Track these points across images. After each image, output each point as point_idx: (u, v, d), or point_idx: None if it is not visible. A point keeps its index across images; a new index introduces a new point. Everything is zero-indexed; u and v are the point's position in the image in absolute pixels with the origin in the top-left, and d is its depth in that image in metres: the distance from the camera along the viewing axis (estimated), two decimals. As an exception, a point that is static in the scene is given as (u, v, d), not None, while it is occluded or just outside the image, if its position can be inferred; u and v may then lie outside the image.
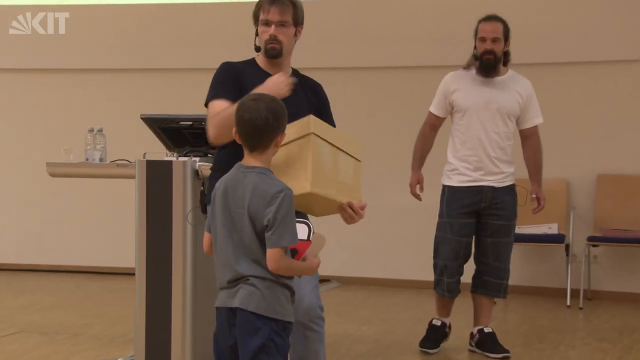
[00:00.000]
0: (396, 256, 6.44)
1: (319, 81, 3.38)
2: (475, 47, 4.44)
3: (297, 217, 2.59)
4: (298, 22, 3.24)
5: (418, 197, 4.62)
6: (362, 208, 3.04)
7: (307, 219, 3.05)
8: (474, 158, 4.43)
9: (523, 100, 4.46)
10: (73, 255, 7.05)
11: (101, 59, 6.99)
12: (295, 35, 3.25)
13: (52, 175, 4.52)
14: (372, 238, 6.54)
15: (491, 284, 4.50)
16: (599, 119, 6.22)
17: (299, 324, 3.02)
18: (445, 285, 4.50)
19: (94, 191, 6.73)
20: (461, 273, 4.55)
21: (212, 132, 3.12)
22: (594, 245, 5.96)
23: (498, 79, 4.45)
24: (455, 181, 4.48)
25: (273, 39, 3.19)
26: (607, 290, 6.12)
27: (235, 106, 2.67)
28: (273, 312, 2.55)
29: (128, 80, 6.99)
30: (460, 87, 4.46)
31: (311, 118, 2.87)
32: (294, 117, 2.83)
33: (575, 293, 5.85)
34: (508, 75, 4.49)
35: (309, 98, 3.26)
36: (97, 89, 7.05)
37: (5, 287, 6.43)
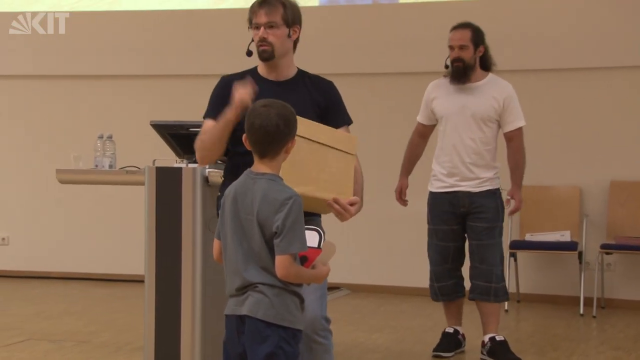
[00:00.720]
0: (407, 263, 6.40)
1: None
2: (448, 56, 4.55)
3: (309, 224, 2.56)
4: (290, 22, 3.19)
5: (403, 203, 4.74)
6: (352, 204, 2.99)
7: (319, 226, 3.02)
8: (449, 164, 4.53)
9: (499, 104, 4.50)
10: (82, 262, 7.04)
11: (111, 65, 6.99)
12: (290, 35, 3.21)
13: (62, 182, 4.51)
14: (382, 245, 6.51)
15: (480, 287, 4.52)
16: (612, 126, 6.17)
17: (304, 335, 2.98)
18: (437, 289, 4.62)
19: (103, 198, 6.72)
20: (457, 277, 4.62)
21: (197, 153, 3.21)
22: (607, 253, 5.90)
23: (474, 84, 4.52)
24: (434, 187, 4.60)
25: (263, 40, 3.17)
26: (621, 298, 6.06)
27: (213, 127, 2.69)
28: (282, 319, 2.52)
29: (138, 87, 6.99)
30: (438, 94, 4.58)
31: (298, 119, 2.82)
32: None
33: (588, 301, 5.80)
34: (486, 80, 4.55)
35: (313, 97, 3.22)
36: (107, 96, 7.05)
37: (14, 295, 6.43)
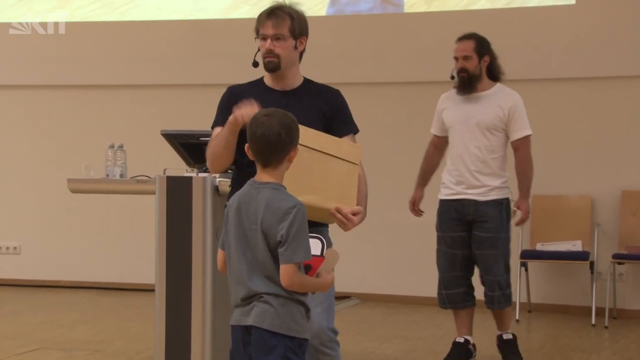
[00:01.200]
0: (416, 273, 6.38)
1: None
2: (454, 67, 4.62)
3: (311, 232, 2.55)
4: (297, 33, 3.19)
5: (416, 213, 4.79)
6: (355, 214, 2.98)
7: (325, 235, 3.01)
8: (456, 172, 4.59)
9: (504, 112, 4.54)
10: (93, 271, 7.05)
11: (122, 75, 7.02)
12: (297, 47, 3.21)
13: (73, 191, 4.52)
14: (392, 254, 6.50)
15: (486, 296, 4.60)
16: (624, 135, 6.14)
17: (311, 347, 2.98)
18: (444, 297, 4.65)
19: (114, 207, 6.74)
20: (466, 285, 4.64)
21: (208, 163, 3.22)
22: (619, 263, 5.87)
23: (481, 94, 4.58)
24: (443, 194, 4.66)
25: (269, 52, 3.17)
26: (633, 308, 6.02)
27: (219, 133, 2.70)
28: (288, 329, 2.52)
29: (149, 96, 7.02)
30: (447, 105, 4.66)
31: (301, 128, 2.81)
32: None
33: (600, 311, 5.76)
34: (493, 90, 4.60)
35: (319, 107, 3.22)
36: (118, 105, 7.08)
37: (25, 304, 6.44)
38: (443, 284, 4.65)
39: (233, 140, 3.06)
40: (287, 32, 3.17)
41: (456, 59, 4.57)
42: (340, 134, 3.19)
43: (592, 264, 5.86)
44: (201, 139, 3.98)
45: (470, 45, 4.55)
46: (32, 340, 5.10)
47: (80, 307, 6.31)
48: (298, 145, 2.62)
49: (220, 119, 3.21)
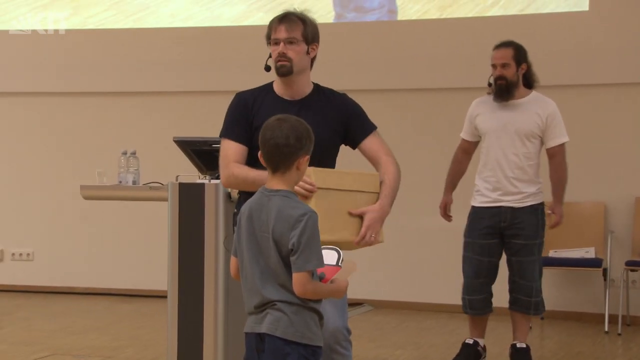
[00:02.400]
0: (430, 280, 6.37)
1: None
2: (492, 74, 4.62)
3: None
4: (309, 39, 3.20)
5: (447, 218, 4.80)
6: (363, 214, 3.05)
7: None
8: (493, 179, 4.59)
9: (542, 120, 4.58)
10: (106, 277, 7.07)
11: (134, 82, 7.04)
12: (309, 52, 3.21)
13: (86, 198, 4.54)
14: (405, 261, 6.48)
15: (521, 301, 4.61)
16: (638, 142, 6.11)
17: (325, 347, 2.98)
18: (467, 302, 4.67)
19: (126, 214, 6.75)
20: (488, 292, 4.67)
21: (225, 181, 3.22)
22: (632, 270, 5.84)
23: (518, 101, 4.60)
24: (477, 202, 4.66)
25: (282, 56, 3.17)
26: (646, 316, 5.99)
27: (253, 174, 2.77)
28: (301, 337, 2.51)
29: (161, 103, 7.04)
30: (482, 111, 4.66)
31: (312, 170, 2.87)
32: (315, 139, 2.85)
33: (613, 319, 5.73)
34: (530, 98, 4.63)
35: (330, 114, 3.22)
36: (130, 112, 7.10)
37: (38, 310, 6.46)
38: (466, 290, 4.66)
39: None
40: (299, 36, 3.17)
41: (494, 66, 4.58)
42: (361, 136, 3.23)
43: (605, 271, 5.83)
44: (213, 145, 3.99)
45: (509, 52, 4.57)
46: (45, 346, 5.12)
47: (93, 314, 6.32)
48: (323, 189, 2.66)
49: (232, 128, 3.22)
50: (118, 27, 7.16)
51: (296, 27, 3.17)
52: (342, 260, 2.62)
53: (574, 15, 6.25)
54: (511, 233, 4.57)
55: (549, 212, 4.67)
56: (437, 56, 6.40)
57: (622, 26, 6.15)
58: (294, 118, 2.60)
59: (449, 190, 4.77)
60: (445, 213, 4.78)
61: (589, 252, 5.89)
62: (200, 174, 4.18)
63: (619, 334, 5.64)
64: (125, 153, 4.44)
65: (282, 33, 3.17)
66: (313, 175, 2.87)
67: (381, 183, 3.16)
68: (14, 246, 7.28)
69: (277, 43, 3.18)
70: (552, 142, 4.61)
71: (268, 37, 3.24)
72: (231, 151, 3.20)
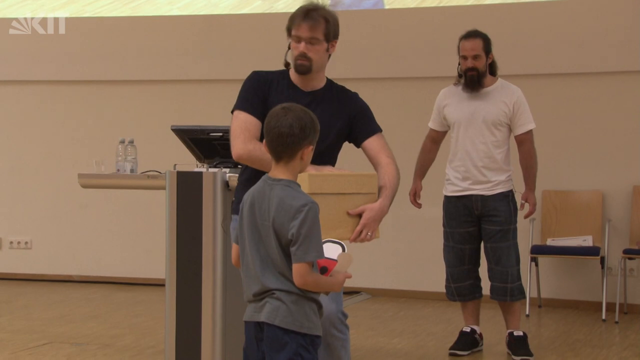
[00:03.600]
0: (427, 268, 6.38)
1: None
2: (459, 64, 4.65)
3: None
4: (330, 37, 3.18)
5: (417, 205, 4.85)
6: (362, 212, 3.06)
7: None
8: (462, 168, 4.64)
9: (509, 108, 4.62)
10: (104, 266, 7.08)
11: (132, 70, 7.03)
12: (328, 50, 3.20)
13: (84, 186, 4.53)
14: (402, 249, 6.49)
15: (497, 288, 4.65)
16: (636, 130, 6.11)
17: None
18: (453, 290, 4.73)
19: (124, 202, 6.75)
20: (474, 277, 4.74)
21: (241, 153, 3.13)
22: (630, 258, 5.85)
23: (485, 90, 4.64)
24: (448, 191, 4.73)
25: (303, 55, 3.15)
26: (643, 304, 6.00)
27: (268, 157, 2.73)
28: (300, 326, 2.52)
29: (158, 92, 7.03)
30: (450, 101, 4.70)
31: (307, 176, 2.88)
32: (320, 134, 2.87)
33: (611, 307, 5.75)
34: (495, 86, 4.66)
35: (340, 110, 3.23)
36: (128, 100, 7.09)
37: (37, 298, 6.47)
38: (451, 278, 4.73)
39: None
40: (321, 36, 3.15)
41: (464, 57, 4.60)
42: (365, 136, 3.25)
43: (602, 260, 5.84)
44: (211, 134, 3.99)
45: (479, 44, 4.59)
46: (43, 334, 5.13)
47: (91, 302, 6.33)
48: (320, 195, 2.67)
49: (248, 104, 3.16)
50: (116, 15, 7.14)
51: (319, 26, 3.13)
52: (339, 253, 2.63)
53: (576, 1, 6.24)
54: (485, 220, 4.62)
55: (523, 201, 4.69)
56: (432, 45, 6.38)
57: (619, 13, 6.13)
58: (299, 107, 2.59)
59: (420, 178, 4.82)
60: (415, 200, 4.82)
61: (586, 241, 5.90)
62: (198, 162, 4.18)
63: (617, 322, 5.66)
64: (123, 141, 4.43)
65: (304, 32, 3.13)
66: (308, 180, 2.86)
67: (381, 187, 3.15)
68: (12, 234, 7.28)
69: (298, 40, 3.15)
70: (520, 130, 4.63)
71: (289, 30, 3.19)
72: (246, 124, 3.12)
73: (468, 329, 4.74)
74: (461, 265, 4.70)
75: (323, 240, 2.65)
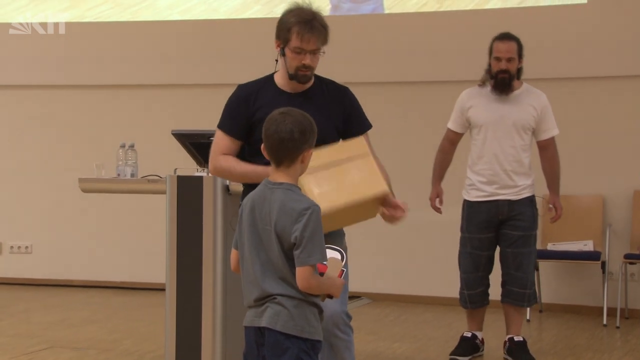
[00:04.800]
0: (428, 272, 6.37)
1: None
2: (489, 65, 4.58)
3: (327, 242, 2.54)
4: (326, 42, 3.19)
5: (438, 210, 4.78)
6: (397, 208, 3.02)
7: (342, 245, 3.04)
8: (489, 172, 4.57)
9: (537, 113, 4.59)
10: (104, 270, 7.07)
11: (133, 75, 7.03)
12: (323, 53, 3.20)
13: (84, 190, 4.54)
14: (403, 254, 6.49)
15: (515, 293, 4.61)
16: (636, 135, 6.11)
17: (325, 331, 2.99)
18: (466, 297, 4.68)
19: (125, 206, 6.75)
20: (485, 285, 4.69)
21: (211, 170, 3.32)
22: (630, 263, 5.84)
23: (512, 93, 4.59)
24: (472, 196, 4.63)
25: (307, 67, 3.13)
26: (644, 309, 5.99)
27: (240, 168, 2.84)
28: (301, 331, 2.52)
29: (159, 96, 7.03)
30: (476, 103, 4.62)
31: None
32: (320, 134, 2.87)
33: (611, 312, 5.74)
34: (522, 90, 4.63)
35: (332, 106, 3.21)
36: (129, 105, 7.09)
37: (37, 303, 6.46)
38: (466, 285, 4.67)
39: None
40: (322, 45, 3.15)
41: (498, 59, 4.52)
42: (358, 132, 3.21)
43: (603, 264, 5.83)
44: (211, 138, 3.97)
45: (514, 47, 4.53)
46: (43, 339, 5.12)
47: (91, 307, 6.33)
48: (307, 175, 2.64)
49: (228, 122, 3.22)
50: (116, 20, 7.14)
51: (321, 37, 3.13)
52: (344, 261, 2.62)
53: (572, 7, 6.24)
54: (508, 225, 4.57)
55: (550, 206, 4.68)
56: (432, 49, 6.38)
57: (620, 19, 6.14)
58: (297, 112, 2.59)
59: (438, 182, 4.74)
60: (436, 205, 4.74)
61: (587, 245, 5.89)
62: (198, 166, 4.18)
63: (618, 327, 5.65)
64: (123, 146, 4.43)
65: (311, 45, 3.11)
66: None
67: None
68: (12, 239, 7.28)
69: (300, 52, 3.12)
70: (545, 135, 4.62)
71: (285, 40, 3.13)
72: (222, 143, 3.24)
73: (469, 334, 4.72)
74: (476, 272, 4.64)
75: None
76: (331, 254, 2.58)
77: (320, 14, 3.19)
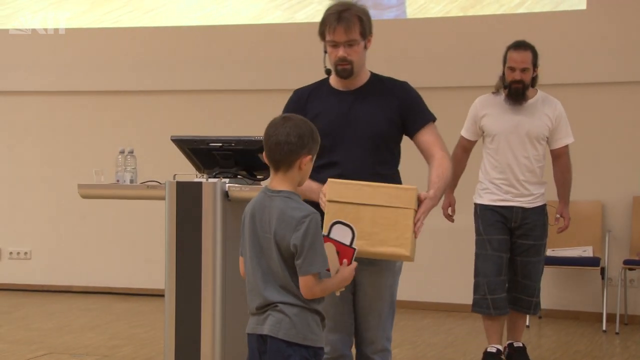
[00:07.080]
0: (427, 279, 6.36)
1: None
2: (503, 74, 4.51)
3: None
4: (366, 34, 3.08)
5: (451, 219, 4.70)
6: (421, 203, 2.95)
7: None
8: (504, 182, 4.52)
9: (552, 122, 4.53)
10: (103, 276, 7.07)
11: (132, 80, 7.04)
12: (366, 47, 3.10)
13: (84, 196, 4.52)
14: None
15: (522, 301, 4.58)
16: (635, 141, 6.12)
17: (363, 355, 3.06)
18: (489, 302, 4.48)
19: (124, 212, 6.75)
20: (506, 290, 4.55)
21: None
22: (630, 269, 5.85)
23: (527, 102, 4.51)
24: (486, 199, 4.57)
25: (343, 60, 3.04)
26: (644, 315, 5.99)
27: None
28: (303, 339, 2.51)
29: (158, 102, 7.03)
30: (489, 112, 4.55)
31: (330, 181, 2.81)
32: (367, 124, 2.90)
33: (611, 317, 5.74)
34: (537, 98, 4.55)
35: (387, 102, 3.10)
36: (128, 111, 7.10)
37: (36, 309, 6.46)
38: (488, 289, 4.48)
39: None
40: (358, 36, 3.04)
41: (512, 69, 4.45)
42: (416, 126, 3.10)
43: (603, 270, 5.84)
44: (211, 144, 3.98)
45: (529, 57, 4.45)
46: (42, 345, 5.11)
47: (90, 313, 6.32)
48: (338, 202, 2.64)
49: None
50: (116, 27, 7.15)
51: (354, 27, 3.03)
52: (354, 240, 2.60)
53: (571, 13, 6.25)
54: (520, 233, 4.51)
55: (558, 215, 4.62)
56: (447, 55, 6.37)
57: (620, 25, 6.15)
58: (299, 117, 2.58)
59: (451, 189, 4.64)
60: (448, 213, 4.66)
61: (586, 251, 5.89)
62: (197, 172, 4.17)
63: (617, 333, 5.65)
64: (122, 152, 4.43)
65: (342, 36, 3.02)
66: (329, 185, 2.79)
67: (432, 182, 3.04)
68: (11, 245, 7.28)
69: (335, 45, 3.05)
70: (559, 143, 4.55)
71: (322, 35, 3.07)
72: None
73: (493, 349, 4.53)
74: (499, 276, 4.47)
75: (334, 221, 2.65)
76: (340, 229, 2.56)
77: (358, 5, 3.08)
